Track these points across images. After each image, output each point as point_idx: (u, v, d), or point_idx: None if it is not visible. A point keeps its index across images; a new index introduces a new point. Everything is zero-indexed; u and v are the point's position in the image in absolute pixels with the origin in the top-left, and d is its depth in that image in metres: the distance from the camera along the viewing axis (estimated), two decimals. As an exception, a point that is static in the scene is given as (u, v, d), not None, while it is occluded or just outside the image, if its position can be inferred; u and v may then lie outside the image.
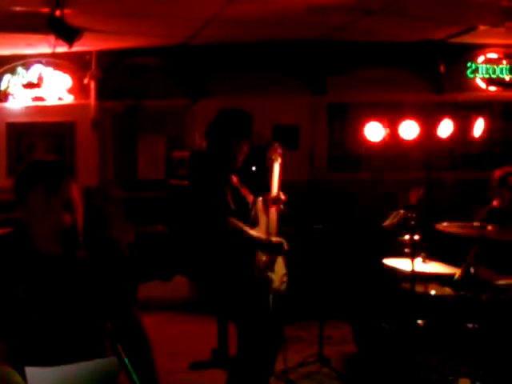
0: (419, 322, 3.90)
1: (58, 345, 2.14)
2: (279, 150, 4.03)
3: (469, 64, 7.47)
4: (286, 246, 3.77)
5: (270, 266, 3.68)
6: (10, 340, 2.09)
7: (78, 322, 2.17)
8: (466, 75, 7.49)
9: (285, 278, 3.82)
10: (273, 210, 3.90)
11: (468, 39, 6.93)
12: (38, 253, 2.16)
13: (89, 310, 2.06)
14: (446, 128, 5.48)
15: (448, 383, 3.93)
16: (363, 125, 5.72)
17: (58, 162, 2.22)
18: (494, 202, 4.64)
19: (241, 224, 3.59)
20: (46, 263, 2.17)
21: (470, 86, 7.52)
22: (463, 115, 7.01)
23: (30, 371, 1.83)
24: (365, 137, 5.60)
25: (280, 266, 3.81)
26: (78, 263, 2.04)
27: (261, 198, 3.87)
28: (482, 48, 7.42)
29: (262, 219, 3.82)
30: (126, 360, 1.81)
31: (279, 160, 4.02)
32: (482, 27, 6.28)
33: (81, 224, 2.18)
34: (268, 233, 3.78)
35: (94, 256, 2.07)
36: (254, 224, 3.74)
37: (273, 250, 3.72)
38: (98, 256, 2.17)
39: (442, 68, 7.28)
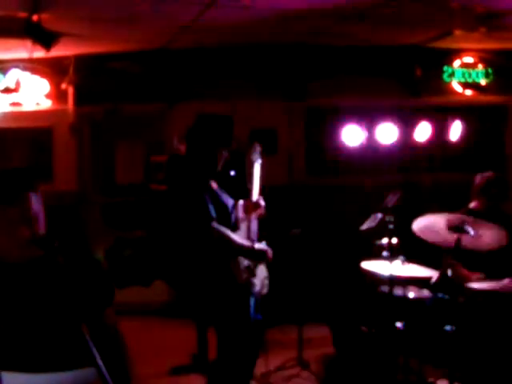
0: (398, 324, 3.93)
1: (34, 351, 2.12)
2: (259, 149, 4.00)
3: (445, 68, 7.56)
4: (269, 255, 3.76)
5: (252, 270, 3.67)
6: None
7: (53, 327, 2.15)
8: (443, 79, 7.58)
9: (266, 281, 3.82)
10: (253, 215, 3.89)
11: (444, 44, 7.01)
12: (4, 263, 2.14)
13: (62, 315, 2.04)
14: (423, 131, 5.53)
15: (426, 385, 3.96)
16: (341, 129, 5.75)
17: (15, 173, 2.18)
18: (472, 204, 4.67)
19: (224, 230, 3.58)
20: (13, 273, 2.14)
21: (447, 89, 7.61)
22: (440, 118, 7.07)
23: (7, 377, 1.81)
24: (343, 141, 5.64)
25: (261, 269, 3.81)
26: (48, 270, 2.02)
27: (241, 203, 3.87)
28: (458, 52, 7.51)
29: (243, 224, 3.82)
30: (102, 365, 1.80)
31: (260, 160, 3.97)
32: (457, 32, 6.35)
33: (42, 230, 2.14)
34: (249, 238, 3.78)
35: (70, 259, 2.05)
36: (235, 229, 3.73)
37: (256, 257, 3.70)
38: (74, 259, 2.15)
39: (418, 72, 7.35)
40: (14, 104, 7.32)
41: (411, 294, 4.11)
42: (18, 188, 2.11)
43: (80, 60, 7.19)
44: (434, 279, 4.04)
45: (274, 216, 4.12)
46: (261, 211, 3.92)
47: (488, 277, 4.15)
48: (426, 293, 4.15)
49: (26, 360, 2.08)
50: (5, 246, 2.12)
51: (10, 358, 2.07)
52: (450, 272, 3.86)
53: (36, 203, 2.14)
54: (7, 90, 7.29)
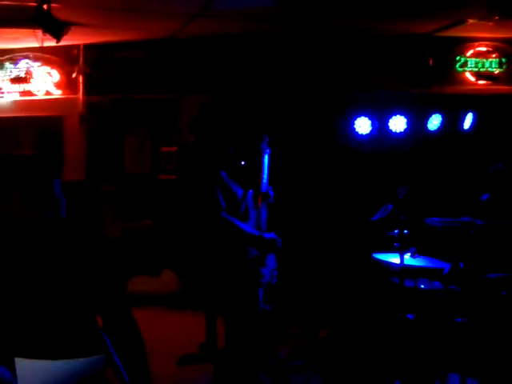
0: (409, 316, 3.90)
1: (46, 339, 2.13)
2: (267, 140, 4.00)
3: (457, 58, 7.48)
4: (278, 244, 3.75)
5: (262, 260, 3.66)
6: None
7: (66, 315, 2.16)
8: (455, 69, 7.50)
9: (275, 272, 3.80)
10: (263, 205, 3.88)
11: (456, 33, 6.93)
12: (24, 247, 2.15)
13: (76, 303, 2.04)
14: (435, 122, 5.49)
15: (438, 377, 3.94)
16: (351, 119, 5.73)
17: (36, 158, 2.19)
18: (485, 196, 4.63)
19: (233, 219, 3.57)
20: (31, 256, 2.15)
21: (459, 79, 7.53)
22: (452, 109, 7.03)
23: (20, 362, 1.82)
24: (353, 131, 5.62)
25: (271, 259, 3.80)
26: (64, 255, 2.03)
27: (251, 193, 3.85)
28: (470, 41, 7.43)
29: (253, 213, 3.80)
30: (115, 355, 1.81)
31: (268, 151, 3.98)
32: (470, 21, 6.28)
33: (64, 217, 2.16)
34: (259, 228, 3.77)
35: (81, 248, 2.06)
36: (244, 219, 3.72)
37: (265, 246, 3.69)
38: (85, 248, 2.16)
39: (430, 62, 7.28)
40: (24, 93, 7.34)
41: (422, 286, 4.08)
42: (39, 173, 2.10)
43: (89, 49, 7.19)
44: (445, 271, 4.01)
45: (284, 206, 4.10)
46: (270, 201, 3.91)
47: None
48: (437, 284, 4.12)
49: (38, 347, 2.09)
50: (26, 228, 2.13)
51: (22, 345, 2.08)
52: (461, 264, 3.83)
53: (58, 189, 2.14)
54: (18, 80, 7.30)
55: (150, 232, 6.88)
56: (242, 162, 4.69)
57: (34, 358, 1.85)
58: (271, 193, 3.91)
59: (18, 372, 1.83)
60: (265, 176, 3.92)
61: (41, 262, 2.17)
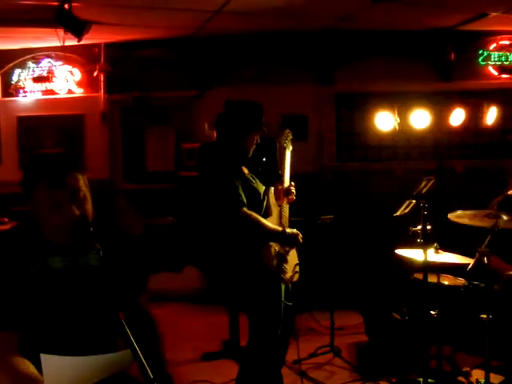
0: (432, 312, 3.88)
1: (71, 335, 2.15)
2: (290, 136, 4.00)
3: (480, 51, 7.40)
4: (300, 239, 3.75)
5: (283, 256, 3.66)
6: (24, 331, 2.09)
7: (89, 312, 2.18)
8: (478, 63, 7.42)
9: (297, 268, 3.80)
10: (285, 201, 3.88)
11: (479, 26, 6.86)
12: (49, 243, 2.17)
13: (100, 300, 2.05)
14: (457, 117, 5.44)
15: (461, 374, 3.91)
16: (372, 114, 5.69)
17: (62, 156, 2.20)
18: (511, 191, 4.57)
19: (255, 215, 3.58)
20: (56, 254, 2.17)
21: (482, 73, 7.45)
22: (475, 103, 6.96)
23: (45, 358, 1.83)
24: (374, 126, 5.58)
25: (293, 256, 3.80)
26: (88, 252, 2.04)
27: (273, 189, 3.85)
28: (493, 35, 7.34)
29: (275, 210, 3.80)
30: (138, 351, 1.82)
31: (291, 147, 3.98)
32: (492, 14, 6.21)
33: (90, 215, 2.17)
34: (281, 224, 3.77)
35: (104, 246, 2.06)
36: (266, 215, 3.72)
37: (287, 241, 3.70)
38: (108, 246, 2.16)
39: (452, 56, 7.21)
40: (46, 92, 7.42)
41: (445, 282, 4.05)
42: (67, 169, 2.12)
43: (110, 48, 7.24)
44: (469, 267, 3.97)
45: (304, 202, 4.09)
46: (292, 197, 3.91)
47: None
48: (460, 280, 4.09)
49: (64, 343, 2.11)
50: (51, 226, 2.14)
51: (48, 341, 2.10)
52: (485, 259, 3.78)
53: (84, 185, 2.16)
54: (40, 79, 7.38)
55: (172, 229, 6.90)
56: (264, 159, 4.70)
57: (60, 355, 1.86)
58: (293, 189, 3.91)
59: (43, 368, 1.85)
60: (287, 172, 3.93)
61: (63, 258, 2.19)
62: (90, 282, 2.15)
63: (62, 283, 2.15)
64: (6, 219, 6.65)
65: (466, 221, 3.77)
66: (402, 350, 4.36)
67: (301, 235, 3.75)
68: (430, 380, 3.75)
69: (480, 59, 7.42)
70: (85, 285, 2.17)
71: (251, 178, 3.75)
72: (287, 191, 3.89)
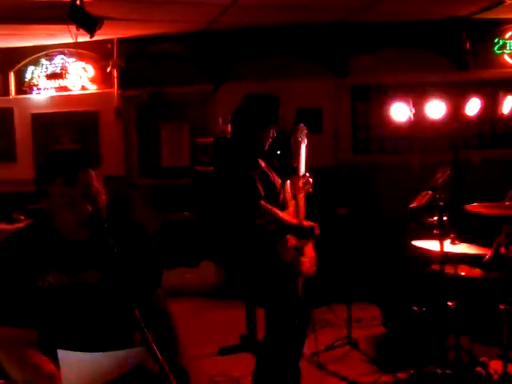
0: (449, 303, 3.85)
1: (88, 331, 2.15)
2: (305, 131, 4.00)
3: (496, 40, 7.30)
4: (317, 231, 3.74)
5: (300, 249, 3.66)
6: (41, 327, 2.10)
7: (106, 308, 2.18)
8: (493, 52, 7.33)
9: (314, 262, 3.79)
10: (301, 194, 3.87)
11: (495, 15, 6.77)
12: (64, 240, 2.17)
13: (116, 296, 2.06)
14: (473, 107, 5.38)
15: (478, 365, 3.88)
16: (387, 106, 5.64)
17: (75, 152, 2.20)
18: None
19: (272, 207, 3.58)
20: (72, 250, 2.17)
21: (498, 62, 7.36)
22: (491, 93, 6.89)
23: (63, 354, 1.84)
24: (390, 118, 5.54)
25: (310, 249, 3.79)
26: (104, 249, 2.04)
27: (289, 182, 3.85)
28: (509, 23, 7.24)
29: (291, 203, 3.80)
30: (154, 346, 1.82)
31: (305, 141, 3.98)
32: (508, 1, 6.12)
33: (104, 211, 2.17)
34: (297, 217, 3.76)
35: (120, 242, 2.06)
36: (283, 208, 3.72)
37: (304, 234, 3.69)
38: (124, 242, 2.16)
39: (467, 45, 7.13)
40: (60, 89, 7.45)
41: (463, 273, 4.02)
42: (80, 166, 2.12)
43: (123, 43, 7.25)
44: (486, 257, 3.94)
45: (320, 195, 4.08)
46: (309, 188, 3.90)
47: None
48: (477, 271, 4.06)
49: (81, 339, 2.12)
50: (66, 223, 2.14)
51: (65, 337, 2.11)
52: (502, 250, 3.76)
53: (97, 181, 2.16)
54: (54, 76, 7.41)
55: (188, 224, 6.92)
56: (278, 152, 4.68)
57: (77, 350, 1.86)
58: (310, 180, 3.91)
59: (60, 364, 1.85)
60: (302, 165, 3.92)
61: (79, 255, 2.19)
62: (106, 277, 2.15)
63: (78, 280, 2.16)
64: (22, 217, 6.70)
65: (483, 212, 3.75)
66: (419, 341, 4.34)
67: (318, 228, 3.74)
68: (447, 371, 3.73)
69: (496, 48, 7.33)
70: (101, 280, 2.17)
71: (268, 171, 3.75)
72: (305, 183, 3.88)
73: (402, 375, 4.27)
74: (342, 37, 7.22)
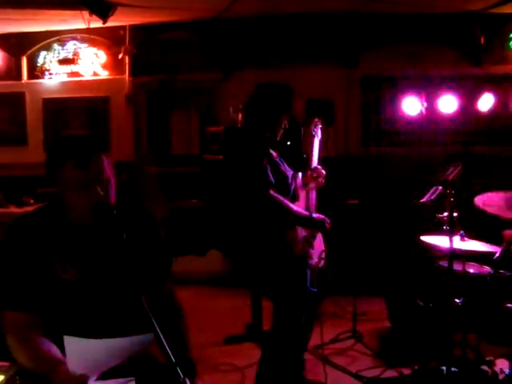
0: (456, 300, 3.84)
1: (95, 318, 2.16)
2: (320, 125, 3.98)
3: (510, 35, 7.24)
4: (327, 224, 3.72)
5: (309, 241, 3.64)
6: (47, 312, 2.11)
7: (112, 294, 2.18)
8: (508, 47, 7.27)
9: (323, 255, 3.78)
10: (312, 185, 3.86)
11: (509, 9, 6.70)
12: (72, 225, 2.17)
13: (123, 283, 2.05)
14: (486, 102, 5.34)
15: (484, 363, 3.87)
16: (398, 99, 5.62)
17: (88, 137, 2.20)
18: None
19: (282, 198, 3.56)
20: (79, 235, 2.17)
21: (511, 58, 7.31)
22: (504, 88, 6.83)
23: (69, 340, 1.84)
24: (401, 111, 5.51)
25: (319, 242, 3.77)
26: (111, 235, 2.04)
27: (300, 173, 3.83)
28: (524, 18, 7.18)
29: (302, 194, 3.78)
30: (160, 334, 1.82)
31: (319, 135, 3.96)
32: (523, -4, 6.07)
33: (114, 197, 2.17)
34: (307, 208, 3.75)
35: (128, 229, 2.06)
36: (293, 199, 3.71)
37: (314, 226, 3.67)
38: (132, 229, 2.16)
39: (481, 40, 7.07)
40: (72, 74, 7.45)
41: (471, 270, 4.00)
42: (92, 150, 2.12)
43: (135, 30, 7.24)
44: (495, 255, 3.91)
45: (330, 187, 4.07)
46: (322, 181, 3.88)
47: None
48: (486, 268, 4.03)
49: (87, 325, 2.12)
50: (76, 207, 2.14)
51: (71, 323, 2.11)
52: (512, 247, 3.74)
53: (108, 167, 2.15)
54: (66, 61, 7.42)
55: (196, 212, 6.92)
56: (288, 142, 4.67)
57: (83, 337, 1.86)
58: (323, 171, 3.89)
59: (66, 350, 1.85)
60: (315, 158, 3.90)
61: (86, 240, 2.19)
62: (113, 263, 2.14)
63: (84, 265, 2.16)
64: (32, 200, 6.73)
65: (494, 209, 3.72)
66: (424, 337, 4.32)
67: (328, 220, 3.72)
68: (452, 368, 3.72)
69: (510, 43, 7.26)
70: (107, 267, 2.17)
71: (279, 162, 3.73)
72: (316, 176, 3.87)
73: (406, 370, 4.26)
74: (353, 28, 7.17)
